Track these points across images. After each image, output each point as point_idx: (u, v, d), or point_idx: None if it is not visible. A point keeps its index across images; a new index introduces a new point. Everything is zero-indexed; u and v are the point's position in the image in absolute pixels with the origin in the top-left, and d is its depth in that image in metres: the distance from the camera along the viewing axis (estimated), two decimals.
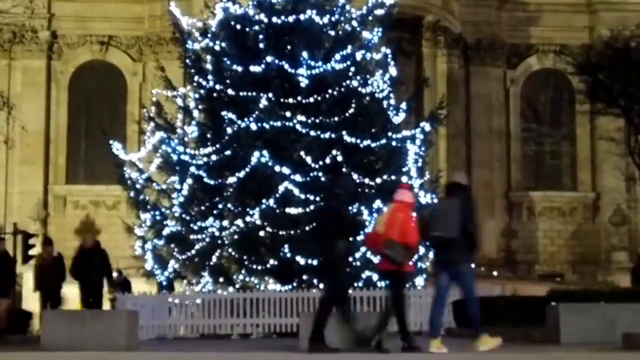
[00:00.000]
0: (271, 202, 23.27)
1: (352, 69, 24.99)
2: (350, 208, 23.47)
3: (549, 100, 46.47)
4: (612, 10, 44.64)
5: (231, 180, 23.69)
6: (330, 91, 24.33)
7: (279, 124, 23.87)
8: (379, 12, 26.26)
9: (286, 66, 24.29)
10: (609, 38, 38.76)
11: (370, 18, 26.25)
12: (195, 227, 24.11)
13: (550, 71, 46.12)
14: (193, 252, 23.88)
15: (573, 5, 45.90)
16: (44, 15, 42.23)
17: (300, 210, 23.42)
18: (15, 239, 37.32)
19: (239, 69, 24.59)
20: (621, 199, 43.88)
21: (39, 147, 42.82)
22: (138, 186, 25.66)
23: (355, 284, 23.30)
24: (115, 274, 26.67)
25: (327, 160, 23.69)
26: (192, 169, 24.21)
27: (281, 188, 23.23)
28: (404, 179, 25.03)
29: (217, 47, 25.19)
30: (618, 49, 37.35)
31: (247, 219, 23.31)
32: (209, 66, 25.38)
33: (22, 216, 40.40)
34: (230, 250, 23.77)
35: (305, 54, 24.29)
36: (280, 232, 23.42)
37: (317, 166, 23.77)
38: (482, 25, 45.00)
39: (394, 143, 25.23)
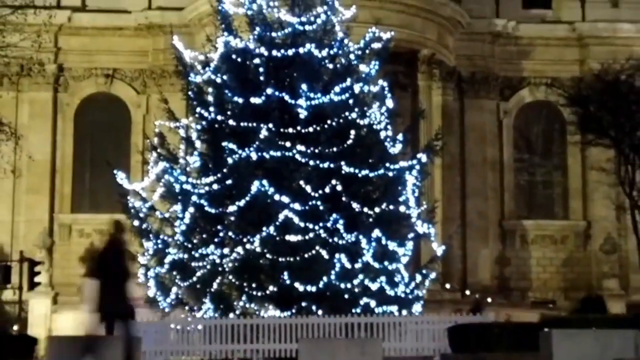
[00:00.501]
0: (271, 229, 23.21)
1: (350, 101, 24.99)
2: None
3: (541, 131, 46.49)
4: (602, 45, 44.76)
5: (232, 208, 23.64)
6: (329, 122, 24.32)
7: (278, 153, 23.84)
8: (376, 46, 26.33)
9: (286, 98, 24.29)
10: (599, 71, 38.87)
11: (367, 52, 26.30)
12: (197, 255, 24.02)
13: (542, 103, 46.15)
14: (194, 279, 23.80)
15: (564, 40, 46.03)
16: (50, 49, 42.31)
17: (299, 237, 23.37)
18: (22, 267, 37.28)
19: (240, 100, 24.59)
20: (612, 227, 43.77)
21: (45, 177, 42.79)
22: (141, 215, 25.62)
23: (353, 310, 23.27)
24: None
25: (326, 190, 23.65)
26: (194, 198, 24.16)
27: (281, 216, 23.19)
28: (402, 208, 25.06)
29: (218, 80, 25.20)
30: (608, 81, 37.44)
31: (248, 246, 23.24)
32: (210, 98, 25.40)
33: (28, 244, 40.25)
34: (230, 277, 23.70)
35: (304, 86, 24.30)
36: (280, 259, 23.35)
37: (316, 195, 23.72)
38: (476, 59, 45.08)
39: (391, 173, 25.19)
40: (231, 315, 23.97)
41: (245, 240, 23.40)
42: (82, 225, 42.97)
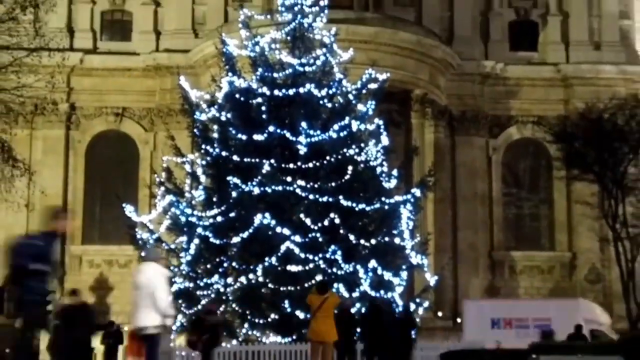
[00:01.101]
0: (273, 260, 23.20)
1: (348, 138, 25.07)
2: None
3: (528, 167, 46.52)
4: (586, 85, 44.88)
5: (235, 240, 23.63)
6: (327, 158, 24.37)
7: (280, 188, 23.86)
8: (372, 86, 26.43)
9: (287, 135, 24.35)
10: (583, 110, 39.02)
11: (364, 91, 26.38)
12: (202, 284, 24.02)
13: (529, 140, 46.19)
14: (199, 307, 23.73)
15: (549, 80, 46.16)
16: (63, 89, 42.34)
17: (300, 268, 23.34)
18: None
19: (243, 137, 24.65)
20: (596, 258, 43.77)
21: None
22: (148, 246, 25.55)
23: None
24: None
25: (325, 223, 23.66)
26: (199, 230, 24.17)
27: (282, 248, 23.18)
28: (397, 240, 25.06)
29: (223, 118, 25.27)
30: (592, 119, 37.57)
31: (250, 276, 23.23)
32: (215, 135, 25.45)
33: None
34: (234, 305, 23.66)
35: (304, 124, 24.36)
36: (281, 288, 23.33)
37: (315, 228, 23.73)
38: (466, 98, 45.18)
39: (386, 207, 25.21)
40: (234, 341, 23.90)
41: (248, 270, 23.39)
42: (92, 256, 42.94)
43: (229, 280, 23.62)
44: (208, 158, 25.41)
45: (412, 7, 45.78)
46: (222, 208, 24.28)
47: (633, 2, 48.90)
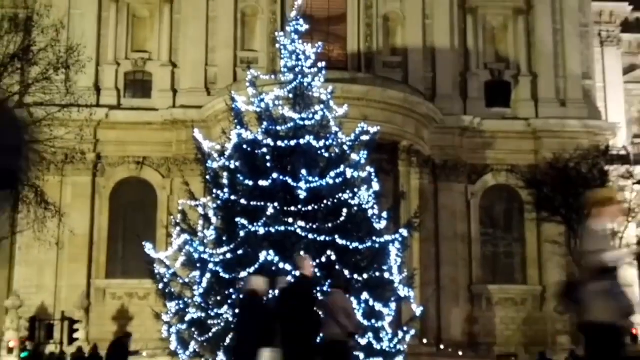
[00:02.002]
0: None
1: (343, 184, 25.00)
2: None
3: (502, 210, 46.57)
4: (553, 137, 45.06)
5: (243, 274, 23.41)
6: (325, 202, 24.27)
7: (282, 228, 23.73)
8: (364, 138, 26.38)
9: (289, 181, 24.26)
10: (551, 160, 39.25)
11: (357, 143, 26.34)
12: (213, 314, 23.80)
13: (504, 186, 46.27)
14: (210, 335, 23.54)
15: (521, 133, 46.32)
16: (90, 140, 42.48)
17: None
18: (63, 325, 37.03)
19: (250, 183, 24.56)
20: None
21: (84, 248, 42.66)
22: (165, 280, 25.45)
23: None
24: None
25: (323, 259, 23.50)
26: (211, 266, 24.01)
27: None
28: (386, 275, 24.93)
29: (232, 166, 25.21)
30: (559, 168, 37.74)
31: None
32: (225, 181, 25.36)
33: (69, 305, 40.07)
34: None
35: (304, 172, 24.29)
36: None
37: (314, 264, 23.57)
38: (447, 149, 45.29)
39: (377, 245, 25.06)
40: None
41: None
42: (115, 289, 42.78)
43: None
44: (219, 202, 25.31)
45: (399, 68, 46.12)
46: (231, 246, 24.13)
47: (594, 64, 49.29)
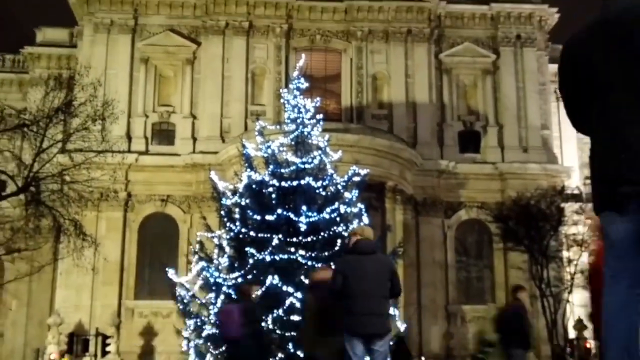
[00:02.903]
0: (280, 312, 22.92)
1: (337, 218, 24.97)
2: None
3: (474, 240, 46.43)
4: (517, 179, 45.04)
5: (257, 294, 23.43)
6: (322, 234, 24.25)
7: (286, 256, 23.69)
8: (356, 179, 26.45)
9: (291, 216, 24.27)
10: (515, 198, 39.20)
11: (349, 183, 26.39)
12: None
13: (475, 220, 46.17)
14: (223, 348, 23.38)
15: (489, 175, 46.35)
16: (122, 181, 42.48)
17: (300, 317, 23.03)
18: (97, 339, 36.78)
19: (258, 218, 24.56)
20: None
21: (116, 273, 42.48)
22: (185, 301, 25.38)
23: None
24: None
25: None
26: (224, 288, 23.94)
27: (287, 302, 22.92)
28: None
29: (242, 203, 25.23)
30: (521, 205, 37.75)
31: (263, 324, 22.90)
32: (237, 216, 25.37)
33: (102, 322, 39.79)
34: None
35: (304, 208, 24.31)
36: (286, 334, 22.97)
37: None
38: (427, 188, 45.27)
39: None
40: None
41: (261, 319, 23.07)
42: (142, 309, 42.48)
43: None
44: (231, 233, 25.29)
45: (385, 119, 46.29)
46: (242, 272, 24.07)
47: (551, 116, 49.49)
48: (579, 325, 39.57)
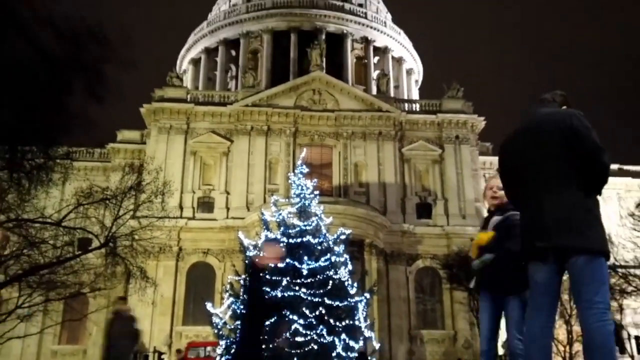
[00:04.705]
0: (288, 334, 22.55)
1: (329, 266, 24.86)
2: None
3: (428, 282, 45.94)
4: (458, 237, 44.94)
5: (267, 323, 23.00)
6: (318, 277, 24.10)
7: (292, 293, 23.47)
8: (343, 237, 26.44)
9: (296, 264, 24.16)
10: (457, 252, 38.98)
11: (338, 240, 26.37)
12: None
13: (429, 267, 45.84)
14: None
15: (439, 235, 46.27)
16: (175, 239, 42.43)
17: (303, 339, 22.67)
18: (154, 355, 35.92)
19: (272, 265, 24.43)
20: (468, 334, 42.62)
21: (169, 306, 41.87)
22: (219, 326, 24.93)
23: None
24: None
25: (317, 313, 23.16)
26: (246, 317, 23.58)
27: (293, 327, 22.59)
28: (357, 322, 24.41)
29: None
30: (462, 256, 37.46)
31: (275, 344, 22.52)
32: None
33: (158, 342, 39.01)
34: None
35: (305, 257, 24.23)
36: (292, 351, 22.56)
37: (312, 316, 23.19)
38: (394, 244, 45.13)
39: (351, 304, 24.72)
40: None
41: (274, 340, 22.69)
42: (187, 332, 41.64)
43: (264, 346, 22.84)
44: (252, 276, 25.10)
45: (364, 195, 46.51)
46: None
47: (481, 193, 49.67)
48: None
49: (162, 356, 36.75)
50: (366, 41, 60.51)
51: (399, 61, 63.19)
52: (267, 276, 24.03)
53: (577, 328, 38.28)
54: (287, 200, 30.06)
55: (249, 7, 60.92)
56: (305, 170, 27.19)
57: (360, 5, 63.35)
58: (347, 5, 61.18)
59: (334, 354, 23.10)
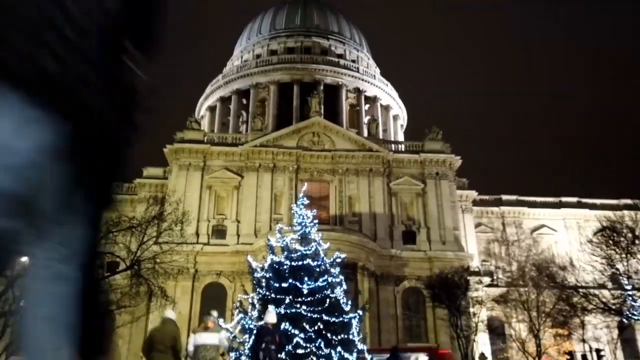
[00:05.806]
0: (290, 347, 22.11)
1: (327, 286, 24.55)
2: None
3: (413, 301, 45.38)
4: (439, 261, 44.67)
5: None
6: (317, 295, 23.76)
7: (294, 310, 23.11)
8: (338, 260, 26.20)
9: (298, 284, 23.86)
10: (439, 274, 38.64)
11: (334, 263, 26.13)
12: None
13: (414, 287, 45.36)
14: None
15: (422, 259, 45.95)
16: (192, 262, 42.06)
17: (303, 351, 22.21)
18: None
19: (277, 285, 24.12)
20: (448, 347, 41.88)
21: (186, 321, 41.16)
22: (230, 339, 24.44)
23: None
24: None
25: (315, 327, 22.75)
26: (254, 332, 23.17)
27: (294, 340, 22.17)
28: (351, 337, 23.98)
29: (267, 276, 24.82)
30: (442, 278, 37.18)
31: (279, 356, 22.05)
32: (263, 284, 24.90)
33: None
34: None
35: (306, 278, 23.95)
36: None
37: (311, 330, 22.77)
38: (383, 267, 44.75)
39: (346, 320, 24.33)
40: None
41: (279, 352, 22.24)
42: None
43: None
44: (259, 295, 24.75)
45: (357, 223, 46.34)
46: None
47: (459, 222, 49.61)
48: (482, 357, 38.11)
49: None
50: (358, 91, 61.32)
51: (386, 108, 63.88)
52: (272, 295, 23.70)
53: (545, 342, 37.65)
54: (290, 228, 29.88)
55: (258, 62, 62.04)
56: (306, 202, 27.11)
57: (353, 61, 64.43)
58: (342, 61, 62.24)
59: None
